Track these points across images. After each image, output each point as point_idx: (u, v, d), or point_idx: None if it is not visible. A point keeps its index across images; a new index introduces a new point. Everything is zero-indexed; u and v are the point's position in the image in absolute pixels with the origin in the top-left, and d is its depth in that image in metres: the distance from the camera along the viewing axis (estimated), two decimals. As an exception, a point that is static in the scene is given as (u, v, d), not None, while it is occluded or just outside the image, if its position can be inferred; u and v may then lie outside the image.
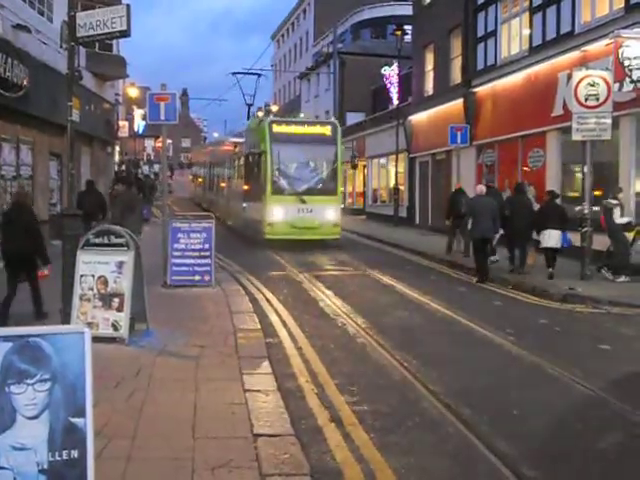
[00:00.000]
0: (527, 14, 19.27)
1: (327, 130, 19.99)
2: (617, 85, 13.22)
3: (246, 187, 21.62)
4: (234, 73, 30.28)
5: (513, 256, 14.41)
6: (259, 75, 29.25)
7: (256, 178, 20.15)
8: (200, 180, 38.40)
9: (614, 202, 13.25)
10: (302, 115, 35.55)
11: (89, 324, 7.58)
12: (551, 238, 13.38)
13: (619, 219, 13.18)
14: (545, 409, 6.27)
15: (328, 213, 19.39)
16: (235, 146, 25.00)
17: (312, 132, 20.13)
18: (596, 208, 13.51)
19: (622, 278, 12.98)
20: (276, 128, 19.68)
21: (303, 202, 19.03)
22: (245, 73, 30.91)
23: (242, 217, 22.09)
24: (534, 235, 13.99)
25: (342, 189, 27.60)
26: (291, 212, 19.00)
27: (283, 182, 19.50)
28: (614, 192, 13.60)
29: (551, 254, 13.49)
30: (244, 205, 21.70)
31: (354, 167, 36.08)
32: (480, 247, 13.84)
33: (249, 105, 29.61)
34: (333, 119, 21.95)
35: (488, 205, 13.75)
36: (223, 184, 28.07)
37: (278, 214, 19.03)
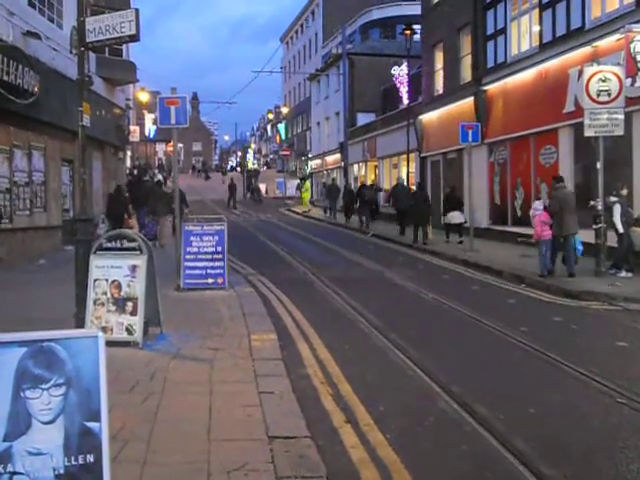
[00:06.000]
0: (537, 10, 19.17)
1: None
2: (629, 80, 13.11)
3: None
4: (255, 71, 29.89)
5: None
6: None
7: None
8: None
9: (614, 199, 12.99)
10: None
11: (103, 328, 7.57)
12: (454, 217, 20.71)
13: (618, 216, 12.86)
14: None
15: None
16: None
17: None
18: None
19: (623, 273, 12.84)
20: None
21: None
22: (267, 72, 30.84)
23: None
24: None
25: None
26: None
27: None
28: (616, 189, 13.19)
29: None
30: None
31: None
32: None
33: None
34: None
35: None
36: None
37: None
